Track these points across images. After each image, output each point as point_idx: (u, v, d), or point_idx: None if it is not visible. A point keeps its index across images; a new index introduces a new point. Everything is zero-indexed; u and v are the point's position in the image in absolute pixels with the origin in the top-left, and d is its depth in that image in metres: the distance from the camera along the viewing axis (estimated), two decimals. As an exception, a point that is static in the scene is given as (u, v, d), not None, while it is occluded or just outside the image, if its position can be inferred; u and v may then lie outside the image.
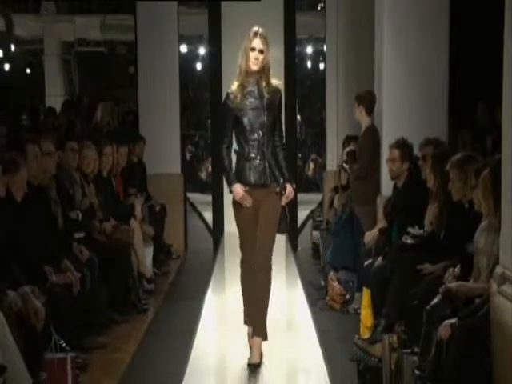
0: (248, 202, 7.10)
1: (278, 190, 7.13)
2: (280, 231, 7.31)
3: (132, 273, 9.27)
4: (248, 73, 7.04)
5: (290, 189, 7.15)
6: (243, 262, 7.46)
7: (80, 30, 24.92)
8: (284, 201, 7.16)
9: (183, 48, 15.97)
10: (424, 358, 5.69)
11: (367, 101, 9.13)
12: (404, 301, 6.50)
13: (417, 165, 7.98)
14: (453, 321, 5.35)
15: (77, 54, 26.07)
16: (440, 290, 5.90)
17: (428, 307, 5.86)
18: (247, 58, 7.01)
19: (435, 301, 5.85)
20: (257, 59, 6.98)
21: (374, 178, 9.06)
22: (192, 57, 22.05)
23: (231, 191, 7.22)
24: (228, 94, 7.17)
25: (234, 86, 7.12)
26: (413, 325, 6.17)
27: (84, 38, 25.30)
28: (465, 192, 6.19)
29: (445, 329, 5.33)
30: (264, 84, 7.10)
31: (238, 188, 7.13)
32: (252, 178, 7.15)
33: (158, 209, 12.03)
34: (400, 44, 8.62)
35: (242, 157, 7.18)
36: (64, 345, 6.38)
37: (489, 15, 5.94)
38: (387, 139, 8.54)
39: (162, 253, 11.80)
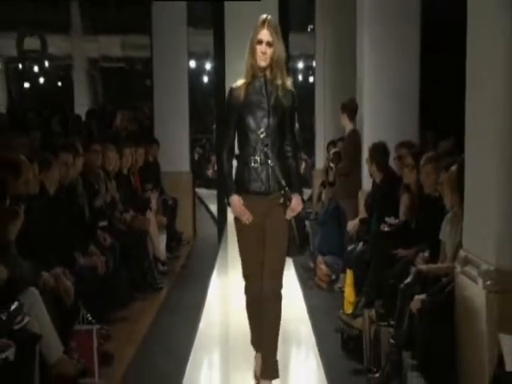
0: (247, 218, 5.44)
1: (281, 200, 5.46)
2: (289, 253, 5.61)
3: (148, 256, 9.29)
4: (255, 69, 5.44)
5: (296, 200, 5.44)
6: (248, 291, 5.70)
7: (104, 48, 24.90)
8: (289, 214, 5.46)
9: (192, 63, 15.94)
10: (398, 329, 5.70)
11: (350, 108, 9.16)
12: (381, 281, 6.50)
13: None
14: (423, 297, 5.37)
15: (101, 69, 26.06)
16: (411, 271, 5.92)
17: (402, 286, 5.86)
18: (254, 52, 5.40)
19: (408, 280, 5.85)
20: (264, 53, 5.35)
21: (356, 175, 9.06)
22: (199, 71, 22.03)
23: (229, 204, 5.57)
24: (231, 90, 5.53)
25: (239, 81, 5.51)
26: (389, 301, 6.16)
27: (107, 55, 25.27)
28: (435, 186, 6.20)
29: (416, 303, 5.34)
30: (274, 81, 5.44)
31: (236, 200, 5.46)
32: (252, 185, 5.46)
33: (170, 202, 12.03)
34: (378, 60, 8.62)
35: (242, 160, 5.50)
36: (90, 318, 6.38)
37: (453, 36, 5.94)
38: (367, 142, 8.54)
39: (174, 239, 11.79)
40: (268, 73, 5.45)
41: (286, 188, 5.44)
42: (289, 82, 5.51)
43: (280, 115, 5.45)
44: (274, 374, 5.45)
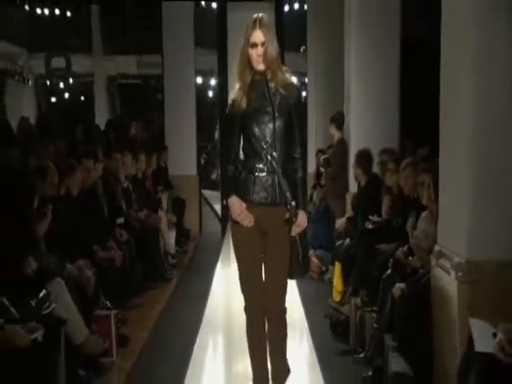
0: (249, 222, 4.50)
1: (286, 216, 4.51)
2: (292, 274, 4.63)
3: (160, 250, 9.30)
4: (253, 73, 4.54)
5: (302, 216, 4.52)
6: (248, 309, 4.68)
7: (121, 66, 24.90)
8: (295, 230, 4.51)
9: (198, 79, 15.93)
10: (381, 314, 5.71)
11: (338, 120, 9.17)
12: (366, 272, 6.52)
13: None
14: (403, 285, 5.37)
15: (118, 85, 26.05)
16: (389, 263, 5.93)
17: (384, 277, 5.87)
18: (248, 57, 4.51)
19: (389, 272, 5.86)
20: (261, 56, 4.47)
21: (343, 179, 9.07)
22: (205, 86, 22.00)
23: (227, 204, 4.64)
24: (232, 102, 4.59)
25: (236, 91, 4.58)
26: (372, 290, 6.18)
27: (124, 72, 25.26)
28: (413, 188, 6.20)
29: (397, 290, 5.34)
30: (273, 80, 4.54)
31: (236, 201, 4.54)
32: (255, 194, 4.53)
33: (179, 202, 12.03)
34: (363, 77, 8.61)
35: (246, 169, 4.56)
36: (109, 304, 6.40)
37: (428, 54, 5.96)
38: (353, 149, 8.54)
39: (183, 235, 11.79)
40: (267, 73, 4.53)
41: (293, 202, 4.49)
42: (288, 75, 4.61)
43: (286, 116, 4.53)
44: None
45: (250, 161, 4.58)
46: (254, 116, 4.53)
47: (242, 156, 4.72)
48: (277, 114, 4.51)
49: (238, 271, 4.66)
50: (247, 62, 4.52)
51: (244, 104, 4.53)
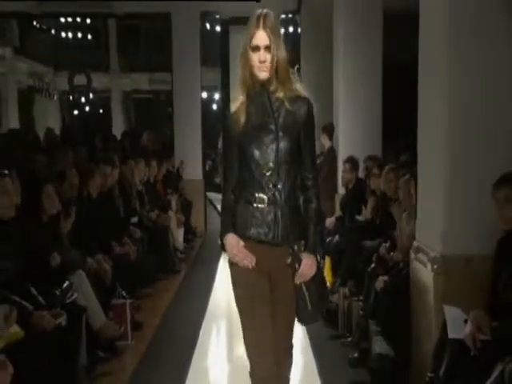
0: (249, 261, 3.30)
1: (288, 261, 3.34)
2: (301, 321, 3.47)
3: (169, 246, 9.29)
4: (254, 82, 3.32)
5: (308, 262, 3.34)
6: (255, 375, 3.33)
7: (135, 83, 24.98)
8: (298, 279, 3.34)
9: (204, 94, 15.91)
10: (366, 303, 5.72)
11: (329, 130, 9.17)
12: (353, 265, 6.51)
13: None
14: (385, 278, 5.38)
15: (133, 99, 26.10)
16: (373, 258, 5.94)
17: (368, 269, 5.89)
18: (249, 63, 3.28)
19: (373, 265, 5.88)
20: (264, 62, 3.25)
21: (333, 182, 9.07)
22: (209, 100, 22.01)
23: (223, 247, 3.42)
24: (228, 117, 3.39)
25: (235, 103, 3.36)
26: (358, 281, 6.18)
27: (138, 88, 25.33)
28: (395, 190, 6.20)
29: (380, 283, 5.36)
30: (278, 92, 3.33)
31: (232, 239, 3.35)
32: (254, 229, 3.32)
33: (187, 203, 12.04)
34: (350, 91, 8.63)
35: (244, 198, 3.37)
36: (124, 294, 6.41)
37: (407, 73, 6.00)
38: (342, 156, 8.55)
39: (190, 233, 11.78)
40: (271, 83, 3.32)
41: (295, 246, 3.33)
42: (298, 86, 3.40)
43: (293, 135, 3.32)
44: None
45: (248, 189, 3.35)
46: (254, 135, 3.32)
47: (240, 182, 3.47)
48: (281, 134, 3.29)
49: (241, 324, 3.40)
50: (248, 68, 3.30)
51: (242, 120, 3.32)
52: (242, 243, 3.34)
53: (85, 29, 22.48)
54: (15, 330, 4.02)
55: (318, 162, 10.06)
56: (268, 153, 3.30)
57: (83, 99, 22.47)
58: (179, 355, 5.86)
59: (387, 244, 5.98)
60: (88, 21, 21.09)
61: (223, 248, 3.43)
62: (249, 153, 3.33)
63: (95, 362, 5.25)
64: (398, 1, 9.91)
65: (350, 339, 5.92)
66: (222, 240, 3.43)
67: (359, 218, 7.34)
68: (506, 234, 3.90)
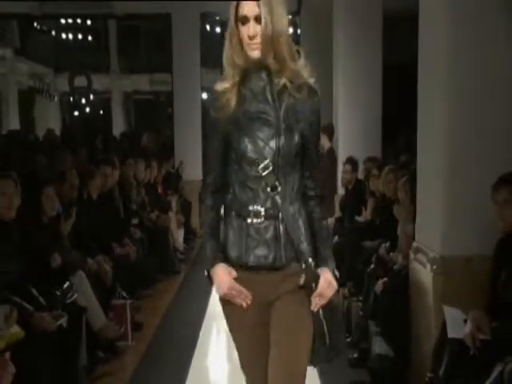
0: (244, 299, 2.64)
1: (301, 281, 2.61)
2: (314, 361, 2.68)
3: (169, 247, 9.29)
4: (247, 61, 2.56)
5: (327, 280, 2.64)
6: None
7: (135, 84, 24.99)
8: (316, 303, 2.62)
9: (204, 95, 15.92)
10: (365, 303, 5.71)
11: (329, 131, 9.18)
12: (352, 266, 6.50)
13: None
14: (385, 279, 5.38)
15: (133, 100, 26.12)
16: (373, 259, 5.94)
17: (368, 270, 5.88)
18: (237, 40, 2.55)
19: (372, 266, 5.88)
20: (253, 37, 2.50)
21: (332, 183, 9.08)
22: (210, 102, 21.96)
23: (210, 279, 2.71)
24: (214, 99, 2.61)
25: (223, 83, 2.60)
26: (358, 282, 6.18)
27: (138, 89, 25.34)
28: (395, 191, 6.21)
29: (379, 286, 5.35)
30: (281, 74, 2.57)
31: (221, 272, 2.64)
32: (251, 254, 2.60)
33: (186, 204, 12.04)
34: (350, 91, 8.66)
35: (235, 212, 2.62)
36: (124, 295, 6.41)
37: (407, 73, 6.00)
38: (341, 157, 8.56)
39: (190, 234, 11.79)
40: (270, 63, 2.54)
41: (310, 259, 2.61)
42: (304, 70, 2.63)
43: (296, 131, 2.58)
44: None
45: (238, 198, 2.60)
46: (247, 126, 2.56)
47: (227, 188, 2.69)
48: (283, 126, 2.56)
49: (241, 367, 2.81)
50: (238, 45, 2.55)
51: (233, 104, 2.56)
52: (234, 274, 2.62)
53: (85, 30, 22.51)
54: (15, 330, 4.02)
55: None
56: (266, 150, 2.55)
57: (83, 100, 22.49)
58: (179, 355, 5.85)
59: (387, 245, 5.98)
60: (88, 22, 21.10)
61: (211, 281, 2.69)
62: (240, 148, 2.56)
63: (95, 362, 5.26)
64: (397, 2, 9.92)
65: (349, 339, 5.91)
66: (209, 272, 2.67)
67: (359, 218, 7.34)
68: (506, 235, 3.90)
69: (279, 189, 2.59)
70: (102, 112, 25.31)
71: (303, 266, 2.62)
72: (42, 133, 14.08)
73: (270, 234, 2.59)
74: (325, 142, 9.30)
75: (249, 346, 2.73)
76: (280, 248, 2.60)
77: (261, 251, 2.59)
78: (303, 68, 2.66)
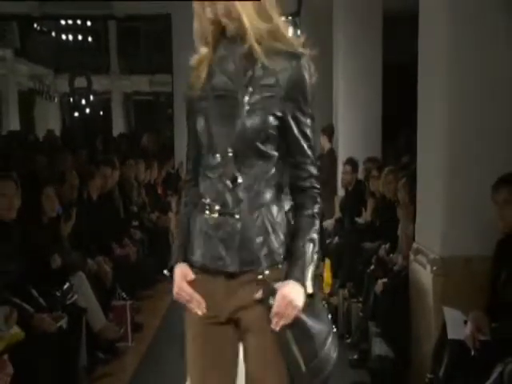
0: (198, 306, 2.29)
1: (258, 294, 2.10)
2: None
3: (169, 248, 9.29)
4: (213, 32, 2.13)
5: (285, 297, 2.06)
6: None
7: (135, 85, 25.01)
8: (274, 322, 2.07)
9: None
10: (365, 304, 5.70)
11: (328, 131, 9.19)
12: (352, 267, 6.50)
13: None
14: (385, 280, 5.38)
15: (133, 101, 26.14)
16: (373, 259, 5.94)
17: (368, 271, 5.88)
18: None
19: (372, 267, 5.88)
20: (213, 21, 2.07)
21: (332, 184, 9.09)
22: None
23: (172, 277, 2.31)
24: (188, 75, 2.31)
25: (196, 56, 2.26)
26: (358, 283, 6.17)
27: (138, 90, 25.35)
28: (395, 192, 6.20)
29: (379, 286, 5.35)
30: (245, 37, 2.05)
31: (176, 274, 2.30)
32: (205, 254, 2.19)
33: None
34: (350, 92, 8.64)
35: (196, 204, 2.23)
36: (124, 295, 6.40)
37: (407, 73, 6.00)
38: (341, 158, 8.56)
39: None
40: (226, 22, 2.10)
41: (266, 272, 2.13)
42: (287, 34, 2.14)
43: (269, 109, 2.11)
44: None
45: (199, 190, 2.24)
46: (212, 105, 2.17)
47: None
48: (247, 107, 2.09)
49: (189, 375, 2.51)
50: (199, 14, 2.17)
51: (202, 79, 2.21)
52: (190, 276, 2.25)
53: (85, 31, 22.51)
54: (15, 331, 4.03)
55: (318, 163, 10.09)
56: (227, 133, 2.12)
57: (83, 101, 22.52)
58: (179, 356, 5.84)
59: (387, 246, 5.98)
60: (88, 23, 21.11)
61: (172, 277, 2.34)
62: (200, 131, 2.22)
63: (95, 363, 5.26)
64: (397, 1, 9.93)
65: (349, 340, 5.92)
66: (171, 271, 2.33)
67: (359, 220, 7.34)
68: (506, 236, 3.90)
69: (239, 180, 2.14)
70: (102, 113, 25.33)
71: (260, 275, 2.13)
72: (42, 133, 14.11)
73: (225, 233, 2.15)
74: (325, 143, 9.31)
75: (194, 359, 2.45)
76: (234, 250, 2.14)
77: (214, 252, 2.17)
78: (283, 33, 2.11)
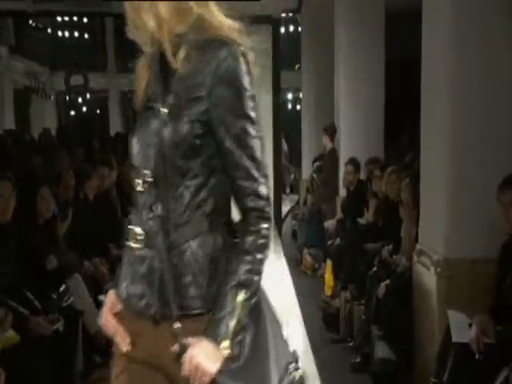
0: (122, 341, 1.91)
1: (174, 347, 1.76)
2: None
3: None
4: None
5: (192, 360, 1.72)
6: None
7: (132, 83, 24.94)
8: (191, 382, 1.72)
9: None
10: (368, 307, 5.71)
11: (330, 131, 9.19)
12: (354, 268, 6.49)
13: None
14: (387, 282, 5.38)
15: (130, 99, 26.09)
16: (375, 261, 5.93)
17: (370, 273, 5.88)
18: None
19: (375, 268, 5.87)
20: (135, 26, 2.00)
21: (334, 184, 9.09)
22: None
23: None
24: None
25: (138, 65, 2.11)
26: (360, 285, 6.16)
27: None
28: (398, 192, 6.19)
29: (382, 289, 5.35)
30: (163, 38, 1.82)
31: (107, 303, 1.97)
32: (125, 290, 1.90)
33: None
34: (351, 90, 8.63)
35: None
36: (122, 297, 6.39)
37: (409, 71, 5.99)
38: (343, 158, 8.56)
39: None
40: (148, 21, 1.95)
41: (177, 325, 1.80)
42: (215, 25, 1.80)
43: (192, 115, 1.78)
44: None
45: (130, 217, 2.01)
46: (139, 122, 1.96)
47: None
48: (166, 116, 1.82)
49: None
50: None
51: (140, 91, 2.05)
52: (117, 308, 1.97)
53: (81, 28, 22.51)
54: (10, 334, 4.03)
55: (319, 164, 10.10)
56: (146, 153, 1.87)
57: (80, 99, 22.50)
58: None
59: (389, 247, 5.98)
60: (85, 20, 21.11)
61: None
62: (131, 153, 1.97)
63: (92, 366, 5.24)
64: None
65: (351, 343, 5.92)
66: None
67: (361, 220, 7.34)
68: (511, 237, 3.90)
69: (158, 208, 1.84)
70: (98, 111, 25.30)
71: (174, 326, 1.80)
72: (38, 132, 14.08)
73: (144, 268, 1.86)
74: (327, 143, 9.32)
75: None
76: (155, 290, 1.83)
77: (137, 288, 1.87)
78: (208, 19, 1.80)
